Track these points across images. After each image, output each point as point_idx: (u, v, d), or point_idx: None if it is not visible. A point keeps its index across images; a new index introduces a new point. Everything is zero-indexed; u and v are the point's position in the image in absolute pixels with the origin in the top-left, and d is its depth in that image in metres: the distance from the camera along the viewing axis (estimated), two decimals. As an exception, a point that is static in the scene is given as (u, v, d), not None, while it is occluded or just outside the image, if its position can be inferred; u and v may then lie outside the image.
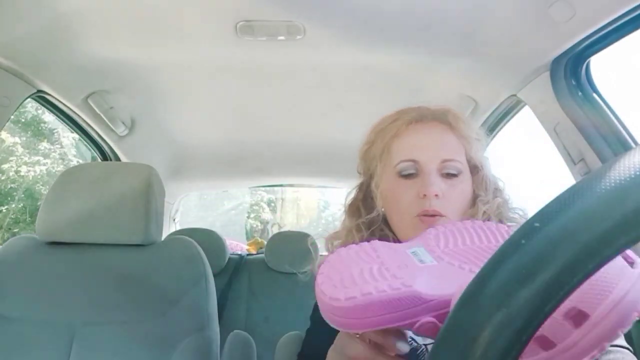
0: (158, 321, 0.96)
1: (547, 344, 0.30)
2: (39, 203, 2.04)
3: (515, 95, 1.23)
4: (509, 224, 0.56)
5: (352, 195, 0.71)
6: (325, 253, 0.73)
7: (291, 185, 2.95)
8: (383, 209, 0.65)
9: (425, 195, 0.59)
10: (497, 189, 0.65)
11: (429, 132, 0.64)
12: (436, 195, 0.59)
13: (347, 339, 0.43)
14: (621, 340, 0.55)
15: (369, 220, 0.66)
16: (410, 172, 0.62)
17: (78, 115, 1.45)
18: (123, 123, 1.57)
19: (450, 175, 0.61)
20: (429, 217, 0.59)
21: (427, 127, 0.65)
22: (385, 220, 0.66)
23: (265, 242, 2.17)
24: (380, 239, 0.46)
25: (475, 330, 0.20)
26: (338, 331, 0.54)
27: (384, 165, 0.65)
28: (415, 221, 0.60)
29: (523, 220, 0.62)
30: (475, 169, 0.64)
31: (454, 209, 0.60)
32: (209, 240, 1.86)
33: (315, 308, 0.68)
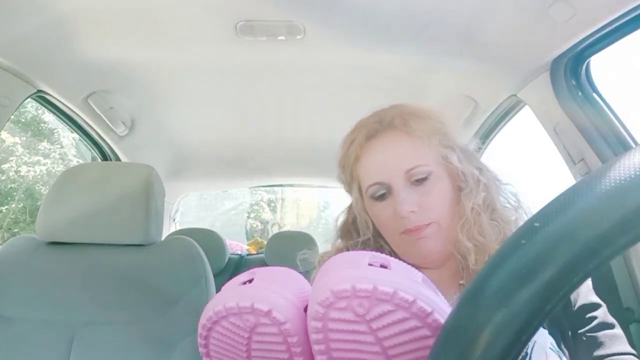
0: (158, 321, 0.96)
1: None
2: (39, 203, 2.04)
3: (515, 95, 1.23)
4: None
5: (342, 218, 0.70)
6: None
7: (291, 185, 2.96)
8: (371, 231, 0.64)
9: (398, 214, 0.58)
10: (481, 172, 0.61)
11: (384, 147, 0.62)
12: (412, 212, 0.57)
13: None
14: (625, 346, 0.55)
15: (362, 242, 0.65)
16: (381, 193, 0.60)
17: (78, 115, 1.45)
18: (123, 123, 1.57)
19: (420, 181, 0.59)
20: (416, 230, 0.58)
21: (380, 142, 0.62)
22: (380, 234, 0.65)
23: (265, 242, 2.17)
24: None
25: (475, 330, 0.20)
26: None
27: (358, 191, 0.64)
28: (404, 237, 0.59)
29: (515, 212, 0.61)
30: (444, 162, 0.61)
31: (438, 213, 0.59)
32: (209, 240, 1.86)
33: None
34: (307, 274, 0.70)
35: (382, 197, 0.61)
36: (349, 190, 0.67)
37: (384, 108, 0.66)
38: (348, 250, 0.64)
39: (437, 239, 0.59)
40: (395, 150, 0.61)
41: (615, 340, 0.55)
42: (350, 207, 0.69)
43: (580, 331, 0.56)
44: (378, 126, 0.63)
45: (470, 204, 0.59)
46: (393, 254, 0.63)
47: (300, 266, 0.74)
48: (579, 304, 0.59)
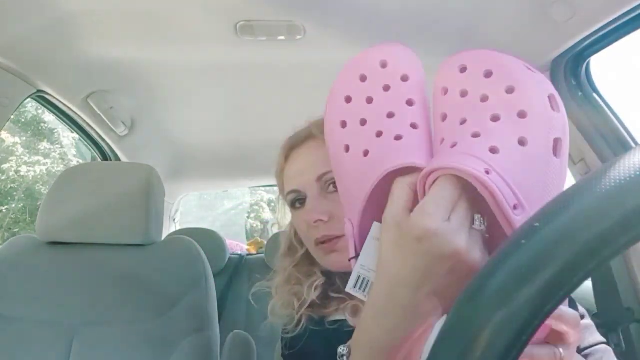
0: (158, 321, 0.96)
1: None
2: (39, 203, 2.04)
3: (515, 95, 1.22)
4: None
5: (286, 235, 0.69)
6: None
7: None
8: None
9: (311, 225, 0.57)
10: None
11: (300, 155, 0.62)
12: (320, 220, 0.55)
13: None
14: (596, 336, 0.53)
15: (300, 257, 0.64)
16: (297, 201, 0.60)
17: (78, 115, 1.45)
18: (123, 123, 1.57)
19: (335, 191, 0.57)
20: (325, 243, 0.56)
21: (302, 151, 0.62)
22: None
23: (265, 242, 2.17)
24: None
25: (475, 330, 0.20)
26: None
27: (283, 199, 0.65)
28: (319, 248, 0.58)
29: None
30: None
31: None
32: (209, 240, 1.86)
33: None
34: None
35: (299, 207, 0.60)
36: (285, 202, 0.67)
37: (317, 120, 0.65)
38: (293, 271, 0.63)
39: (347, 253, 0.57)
40: (310, 157, 0.60)
41: (586, 331, 0.54)
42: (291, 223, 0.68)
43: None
44: (301, 136, 0.63)
45: None
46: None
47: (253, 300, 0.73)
48: None
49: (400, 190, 0.34)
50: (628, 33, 0.90)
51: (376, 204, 0.37)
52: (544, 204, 0.30)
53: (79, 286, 0.98)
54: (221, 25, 1.05)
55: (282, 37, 1.08)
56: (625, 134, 1.00)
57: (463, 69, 0.35)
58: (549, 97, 0.32)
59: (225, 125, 1.73)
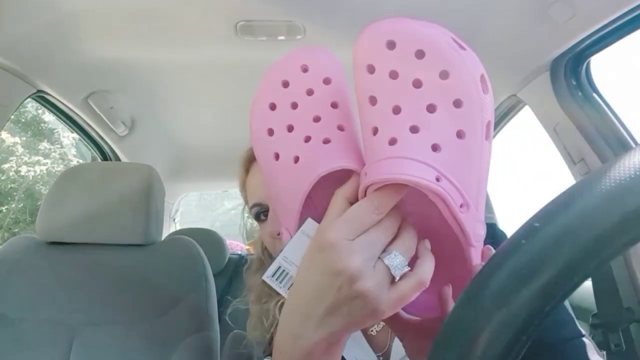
0: (158, 321, 0.96)
1: None
2: (39, 203, 2.04)
3: (515, 95, 1.23)
4: None
5: (256, 250, 0.68)
6: None
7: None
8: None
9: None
10: None
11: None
12: (278, 234, 0.55)
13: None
14: (575, 328, 0.53)
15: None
16: (261, 213, 0.59)
17: (78, 115, 1.45)
18: (123, 123, 1.57)
19: None
20: None
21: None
22: None
23: (265, 242, 2.16)
24: None
25: (475, 330, 0.20)
26: None
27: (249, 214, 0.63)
28: None
29: None
30: None
31: None
32: (209, 240, 1.86)
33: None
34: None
35: (263, 219, 0.60)
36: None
37: None
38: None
39: None
40: None
41: (588, 351, 0.53)
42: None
43: None
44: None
45: None
46: None
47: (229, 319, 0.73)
48: None
49: (335, 202, 0.33)
50: (628, 33, 0.90)
51: (312, 210, 0.37)
52: (479, 190, 0.32)
53: (79, 286, 0.98)
54: (221, 25, 1.05)
55: (282, 37, 1.08)
56: (625, 134, 1.00)
57: (391, 45, 0.32)
58: (480, 79, 0.32)
59: (226, 125, 1.73)
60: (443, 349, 0.22)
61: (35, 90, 1.23)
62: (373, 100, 0.33)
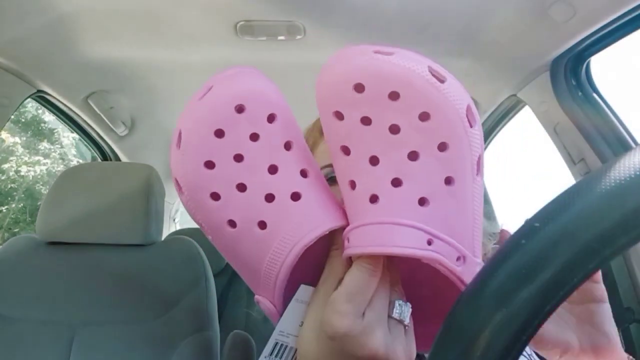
0: (158, 321, 0.96)
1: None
2: (39, 203, 2.04)
3: (515, 95, 1.23)
4: None
5: None
6: None
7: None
8: None
9: None
10: None
11: None
12: None
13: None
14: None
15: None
16: (332, 175, 0.58)
17: (78, 115, 1.45)
18: (123, 123, 1.57)
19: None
20: None
21: None
22: None
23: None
24: None
25: (475, 330, 0.20)
26: None
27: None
28: None
29: None
30: None
31: None
32: (209, 240, 1.86)
33: None
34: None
35: (333, 181, 0.58)
36: None
37: None
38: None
39: None
40: None
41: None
42: None
43: None
44: None
45: None
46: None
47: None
48: None
49: (335, 266, 0.31)
50: (628, 33, 0.90)
51: (299, 273, 0.32)
52: (473, 235, 0.29)
53: (79, 286, 0.98)
54: (221, 25, 1.05)
55: (282, 37, 1.08)
56: (625, 134, 1.00)
57: (359, 88, 0.27)
58: (466, 111, 0.28)
59: (225, 125, 1.73)
60: (443, 349, 0.22)
61: (35, 90, 1.23)
62: (346, 150, 0.29)
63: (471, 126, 0.28)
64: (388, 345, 0.28)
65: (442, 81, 0.27)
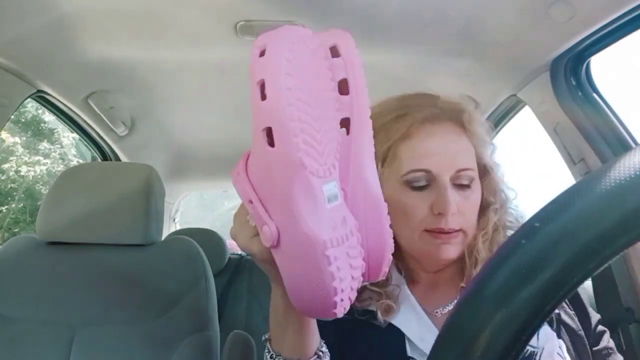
0: (158, 321, 0.96)
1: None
2: (39, 203, 2.04)
3: (515, 95, 1.23)
4: None
5: None
6: None
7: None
8: None
9: (440, 213, 0.53)
10: (505, 193, 0.60)
11: (443, 136, 0.56)
12: (454, 213, 0.53)
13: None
14: (611, 342, 0.56)
15: None
16: (422, 183, 0.55)
17: (78, 115, 1.45)
18: (123, 123, 1.57)
19: (462, 186, 0.55)
20: (445, 234, 0.54)
21: (440, 130, 0.56)
22: None
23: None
24: None
25: (475, 330, 0.20)
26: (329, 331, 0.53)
27: (389, 169, 0.56)
28: (426, 236, 0.55)
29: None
30: (485, 173, 0.58)
31: (468, 221, 0.56)
32: (209, 240, 1.86)
33: None
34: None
35: (420, 187, 0.55)
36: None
37: (426, 93, 0.61)
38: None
39: (458, 248, 0.56)
40: (456, 144, 0.56)
41: (605, 334, 0.58)
42: None
43: (595, 348, 0.57)
44: (439, 112, 0.57)
45: (495, 219, 0.57)
46: (397, 248, 0.59)
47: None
48: (594, 321, 0.59)
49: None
50: (628, 33, 0.90)
51: None
52: (278, 200, 0.36)
53: (79, 286, 0.98)
54: (221, 25, 1.05)
55: (282, 37, 1.08)
56: (625, 134, 1.00)
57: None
58: (259, 85, 0.34)
59: (225, 125, 1.73)
60: (443, 349, 0.22)
61: (35, 90, 1.23)
62: None
63: (262, 98, 0.34)
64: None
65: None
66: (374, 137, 0.55)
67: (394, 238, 0.57)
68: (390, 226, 0.48)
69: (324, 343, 0.51)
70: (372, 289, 0.57)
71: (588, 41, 0.95)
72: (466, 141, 0.57)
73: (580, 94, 1.03)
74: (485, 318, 0.20)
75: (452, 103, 0.59)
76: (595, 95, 1.04)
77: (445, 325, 0.22)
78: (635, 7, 0.82)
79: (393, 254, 0.45)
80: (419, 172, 0.55)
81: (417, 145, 0.56)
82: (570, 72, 1.03)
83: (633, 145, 1.01)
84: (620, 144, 0.99)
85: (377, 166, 0.55)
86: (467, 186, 0.56)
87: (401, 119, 0.56)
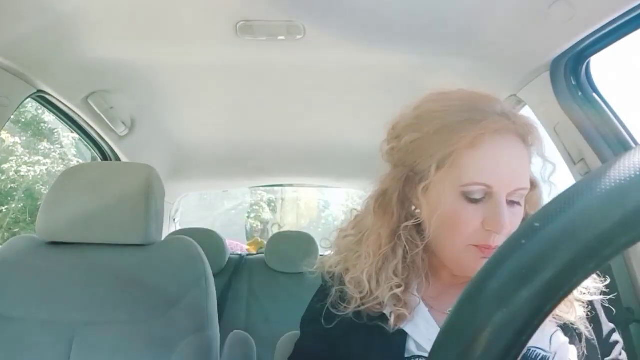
0: (158, 321, 0.96)
1: None
2: (39, 203, 2.04)
3: (515, 95, 1.23)
4: None
5: (383, 187, 0.58)
6: (326, 253, 0.71)
7: (291, 185, 2.96)
8: (427, 222, 0.55)
9: (492, 230, 0.52)
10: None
11: (509, 152, 0.53)
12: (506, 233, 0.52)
13: None
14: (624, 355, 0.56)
15: (407, 228, 0.56)
16: (477, 197, 0.53)
17: (78, 115, 1.45)
18: (123, 123, 1.57)
19: (514, 203, 0.54)
20: (490, 249, 0.53)
21: (507, 145, 0.54)
22: (419, 229, 0.57)
23: (265, 242, 2.17)
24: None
25: (475, 330, 0.20)
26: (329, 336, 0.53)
27: (445, 175, 0.53)
28: (471, 250, 0.54)
29: None
30: (532, 188, 0.57)
31: (510, 234, 0.54)
32: (209, 240, 1.86)
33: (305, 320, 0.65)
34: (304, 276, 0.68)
35: (475, 200, 0.53)
36: (414, 159, 0.56)
37: (491, 96, 0.58)
38: (393, 232, 0.56)
39: None
40: (519, 161, 0.54)
41: (619, 346, 0.59)
42: (399, 178, 0.57)
43: (606, 359, 0.58)
44: (510, 125, 0.54)
45: None
46: (428, 254, 0.58)
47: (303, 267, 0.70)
48: (605, 331, 0.60)
49: None
50: (628, 33, 0.90)
51: None
52: None
53: (79, 286, 0.98)
54: (221, 25, 1.05)
55: (282, 37, 1.08)
56: (625, 134, 1.00)
57: None
58: None
59: (225, 125, 1.73)
60: (443, 349, 0.22)
61: (35, 90, 1.23)
62: None
63: None
64: None
65: None
66: (433, 134, 0.54)
67: (434, 242, 0.56)
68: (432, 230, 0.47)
69: (327, 345, 0.51)
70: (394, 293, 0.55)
71: (588, 41, 0.95)
72: (527, 158, 0.56)
73: (580, 94, 1.03)
74: (485, 318, 0.20)
75: (522, 117, 0.57)
76: (595, 95, 1.04)
77: (445, 325, 0.22)
78: (635, 7, 0.82)
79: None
80: (479, 186, 0.53)
81: (482, 158, 0.53)
82: (570, 72, 1.03)
83: (633, 145, 1.00)
84: (620, 144, 0.99)
85: (427, 164, 0.54)
86: (518, 203, 0.55)
87: (470, 125, 0.53)
